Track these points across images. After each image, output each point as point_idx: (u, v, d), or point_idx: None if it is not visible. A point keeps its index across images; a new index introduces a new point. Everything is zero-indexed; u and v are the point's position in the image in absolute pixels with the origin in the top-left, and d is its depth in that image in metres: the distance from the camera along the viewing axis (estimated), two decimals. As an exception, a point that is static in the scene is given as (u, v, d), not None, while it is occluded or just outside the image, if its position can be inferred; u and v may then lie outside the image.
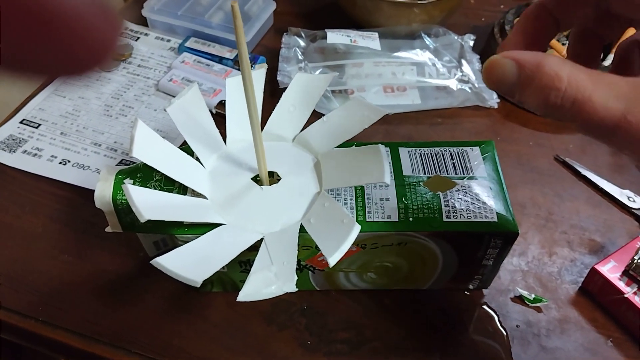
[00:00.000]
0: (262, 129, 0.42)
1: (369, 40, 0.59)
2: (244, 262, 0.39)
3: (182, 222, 0.37)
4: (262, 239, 0.36)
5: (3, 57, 0.14)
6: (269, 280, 0.33)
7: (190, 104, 0.40)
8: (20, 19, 0.13)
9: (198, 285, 0.32)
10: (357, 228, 0.34)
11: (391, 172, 0.39)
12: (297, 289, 0.32)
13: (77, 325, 0.41)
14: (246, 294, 0.32)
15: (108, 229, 0.39)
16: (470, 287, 0.43)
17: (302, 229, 0.36)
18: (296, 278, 0.33)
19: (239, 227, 0.37)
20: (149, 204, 0.34)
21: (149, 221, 0.38)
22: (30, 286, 0.43)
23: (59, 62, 0.15)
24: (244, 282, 0.41)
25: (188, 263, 0.33)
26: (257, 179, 0.39)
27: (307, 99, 0.43)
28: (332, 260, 0.32)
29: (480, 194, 0.38)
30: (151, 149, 0.37)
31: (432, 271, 0.41)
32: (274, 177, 0.40)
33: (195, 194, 0.38)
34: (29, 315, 0.42)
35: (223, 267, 0.35)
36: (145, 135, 0.37)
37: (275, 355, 0.40)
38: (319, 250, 0.35)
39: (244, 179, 0.40)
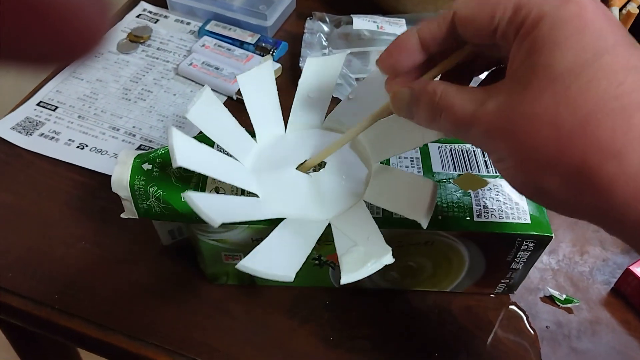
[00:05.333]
0: (285, 120, 0.41)
1: (396, 26, 0.57)
2: None
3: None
4: (329, 225, 0.35)
5: None
6: (361, 258, 0.31)
7: (207, 107, 0.37)
8: (7, 5, 0.13)
9: (291, 280, 0.30)
10: (436, 185, 0.33)
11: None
12: (393, 260, 0.31)
13: (93, 314, 0.40)
14: (348, 276, 0.30)
15: (123, 215, 0.38)
16: (496, 291, 0.41)
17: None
18: (390, 248, 0.31)
19: (300, 219, 0.35)
20: (214, 208, 0.31)
21: (165, 209, 0.36)
22: (46, 273, 0.42)
23: (47, 49, 0.14)
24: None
25: (273, 261, 0.32)
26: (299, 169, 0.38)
27: (324, 82, 0.41)
28: (425, 223, 0.31)
29: (512, 194, 0.36)
30: (192, 155, 0.35)
31: (457, 274, 0.40)
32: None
33: (246, 193, 0.37)
34: (44, 302, 0.41)
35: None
36: (184, 142, 0.35)
37: (296, 350, 0.39)
38: None
39: (288, 170, 0.38)
